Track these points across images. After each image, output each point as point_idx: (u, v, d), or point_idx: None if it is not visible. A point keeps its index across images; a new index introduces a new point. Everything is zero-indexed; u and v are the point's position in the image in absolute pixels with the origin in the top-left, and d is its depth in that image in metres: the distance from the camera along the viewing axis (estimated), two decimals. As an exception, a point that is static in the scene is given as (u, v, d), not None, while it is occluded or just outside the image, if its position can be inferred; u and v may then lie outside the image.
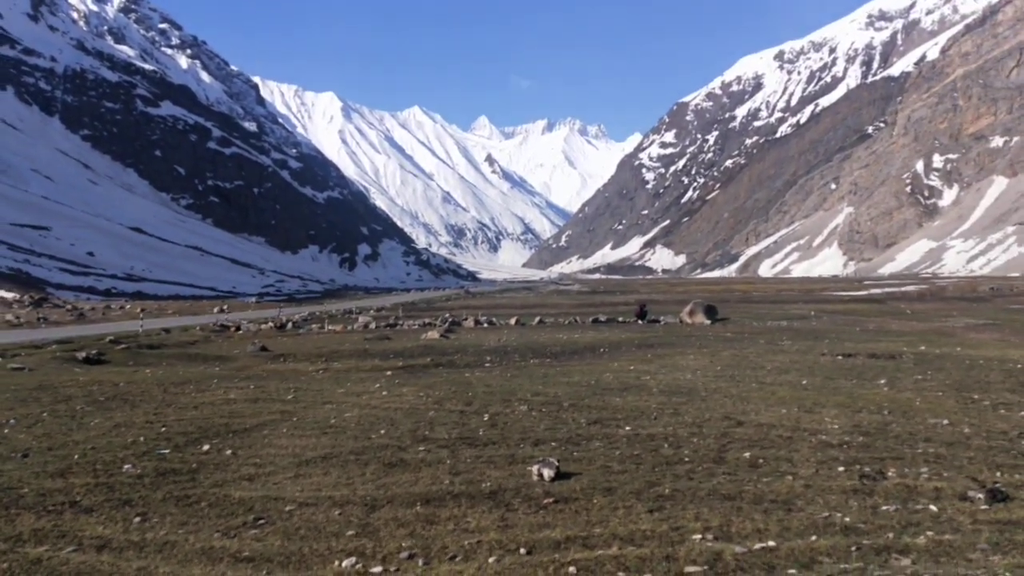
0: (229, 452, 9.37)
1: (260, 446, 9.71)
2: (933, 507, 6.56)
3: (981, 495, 6.77)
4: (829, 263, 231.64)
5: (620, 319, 39.44)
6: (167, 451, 9.47)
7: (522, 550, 5.82)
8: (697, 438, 9.53)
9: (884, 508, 6.57)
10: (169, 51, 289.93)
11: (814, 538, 5.88)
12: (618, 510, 6.67)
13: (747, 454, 8.58)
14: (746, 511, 6.55)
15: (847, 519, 6.29)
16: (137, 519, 6.80)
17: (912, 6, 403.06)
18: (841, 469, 7.85)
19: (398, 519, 6.59)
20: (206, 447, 9.67)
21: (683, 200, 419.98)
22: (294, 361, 22.29)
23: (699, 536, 5.96)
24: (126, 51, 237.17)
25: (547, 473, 7.64)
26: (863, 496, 6.92)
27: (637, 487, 7.33)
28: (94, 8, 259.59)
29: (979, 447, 8.78)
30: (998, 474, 7.59)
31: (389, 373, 18.36)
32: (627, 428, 10.26)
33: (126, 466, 8.65)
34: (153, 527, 6.60)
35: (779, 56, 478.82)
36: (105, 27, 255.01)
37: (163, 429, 10.88)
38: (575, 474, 7.86)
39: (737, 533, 6.04)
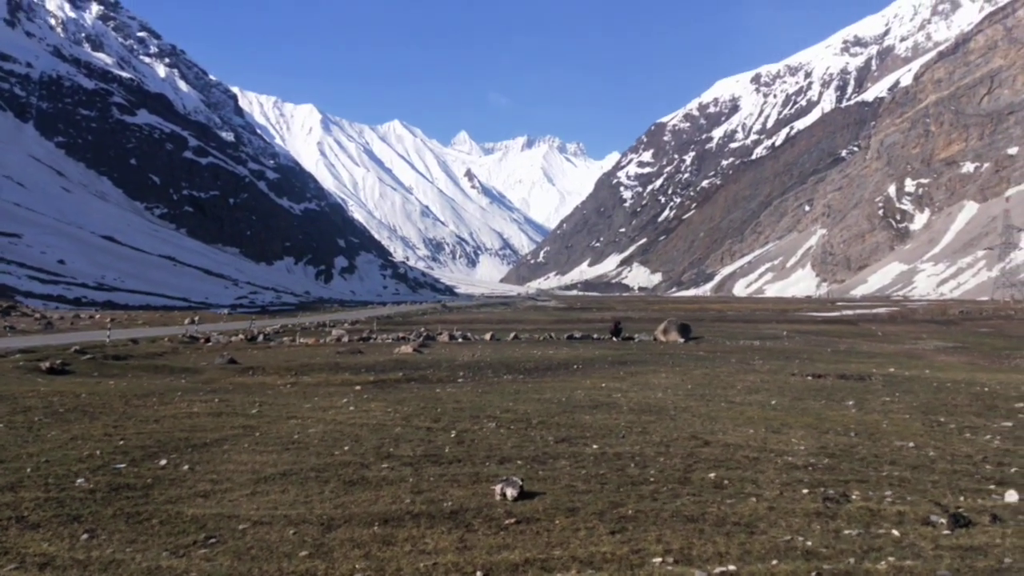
0: (186, 467, 9.16)
1: (219, 461, 9.50)
2: (895, 532, 6.51)
3: (944, 520, 6.74)
4: (802, 284, 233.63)
5: (595, 336, 39.43)
6: (123, 465, 9.23)
7: (479, 573, 5.69)
8: (664, 457, 9.45)
9: (847, 532, 6.51)
10: (147, 59, 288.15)
11: (775, 562, 5.81)
12: (580, 531, 6.55)
13: (712, 475, 8.51)
14: (708, 533, 6.47)
15: (809, 543, 6.22)
16: (85, 536, 6.59)
17: (886, 33, 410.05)
18: (805, 491, 7.79)
19: (354, 539, 6.43)
20: (163, 462, 9.44)
21: (660, 219, 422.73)
22: (263, 374, 22.00)
23: (659, 559, 5.86)
24: (103, 59, 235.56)
25: (510, 492, 7.52)
26: (826, 519, 6.86)
27: (600, 507, 7.22)
28: (72, 15, 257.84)
29: (944, 471, 8.77)
30: (961, 499, 7.56)
31: (358, 388, 18.15)
32: (594, 446, 10.16)
33: (79, 480, 8.41)
34: (100, 544, 6.40)
35: (756, 79, 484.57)
36: (83, 34, 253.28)
37: (121, 442, 10.62)
38: (539, 493, 7.74)
39: (698, 556, 5.94)
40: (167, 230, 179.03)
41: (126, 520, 7.03)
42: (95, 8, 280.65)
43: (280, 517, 7.04)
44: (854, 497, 7.58)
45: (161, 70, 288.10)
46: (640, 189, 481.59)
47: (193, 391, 17.19)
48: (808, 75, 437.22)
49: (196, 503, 7.59)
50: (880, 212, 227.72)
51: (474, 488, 8.03)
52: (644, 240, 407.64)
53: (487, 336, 38.05)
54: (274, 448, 10.28)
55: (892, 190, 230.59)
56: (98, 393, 16.22)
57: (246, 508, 7.38)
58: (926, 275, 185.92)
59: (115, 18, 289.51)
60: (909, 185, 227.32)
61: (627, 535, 6.44)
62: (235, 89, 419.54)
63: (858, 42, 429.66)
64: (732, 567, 5.71)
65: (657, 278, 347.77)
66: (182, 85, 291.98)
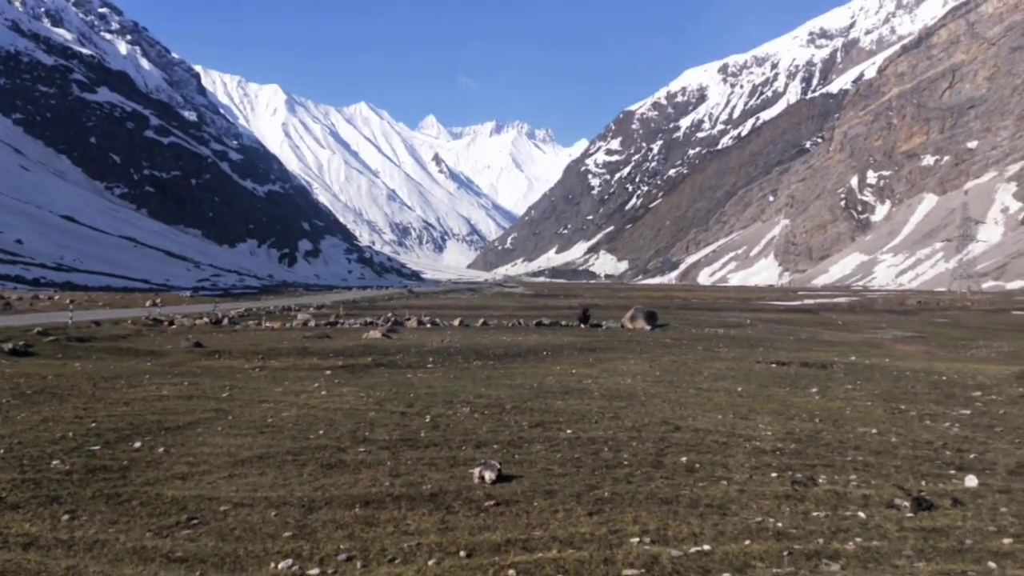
0: (161, 450, 9.17)
1: (194, 444, 9.52)
2: (861, 514, 6.76)
3: (907, 503, 7.00)
4: (765, 273, 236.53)
5: (563, 323, 39.64)
6: (97, 447, 9.21)
7: (462, 552, 5.82)
8: (636, 442, 9.65)
9: (815, 514, 6.75)
10: (108, 36, 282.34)
11: (748, 543, 6.01)
12: (558, 513, 6.72)
13: (684, 459, 8.72)
14: (683, 515, 6.66)
15: (779, 524, 6.45)
16: (66, 517, 6.61)
17: (852, 26, 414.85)
18: (774, 475, 8.04)
19: (336, 521, 6.53)
20: (138, 444, 9.44)
21: (627, 207, 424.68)
22: (230, 358, 21.86)
23: (637, 539, 6.04)
24: (63, 34, 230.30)
25: (488, 475, 7.65)
26: (795, 502, 7.10)
27: (577, 490, 7.39)
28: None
29: (906, 456, 9.07)
30: (923, 483, 7.84)
31: (328, 372, 18.15)
32: (568, 431, 10.34)
33: (54, 462, 8.40)
34: (82, 525, 6.42)
35: (723, 69, 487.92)
36: (43, 9, 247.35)
37: (93, 425, 10.58)
38: (516, 476, 7.89)
39: (674, 537, 6.13)
40: (127, 210, 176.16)
41: (106, 501, 7.06)
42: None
43: (261, 499, 7.11)
44: (821, 481, 7.83)
45: (123, 47, 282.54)
46: (608, 177, 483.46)
47: (161, 374, 17.10)
48: (774, 66, 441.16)
49: (175, 485, 7.63)
50: (842, 203, 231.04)
51: (452, 471, 8.16)
52: (611, 228, 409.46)
53: (456, 322, 38.10)
54: (248, 431, 10.30)
55: (854, 181, 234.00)
56: (65, 375, 16.09)
57: (225, 490, 7.43)
58: (886, 266, 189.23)
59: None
60: (871, 177, 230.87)
61: (604, 516, 6.62)
62: (198, 68, 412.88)
63: (824, 34, 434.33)
64: (707, 547, 5.91)
65: (624, 266, 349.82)
66: (144, 63, 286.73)
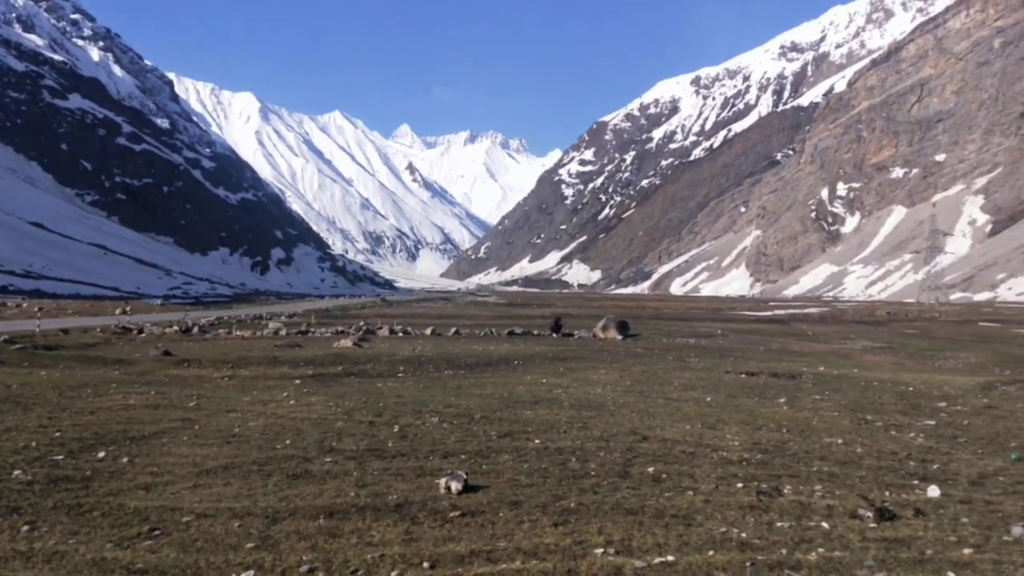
0: (126, 460, 9.05)
1: (158, 454, 9.41)
2: (825, 524, 6.82)
3: (870, 513, 7.07)
4: (737, 283, 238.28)
5: (535, 332, 39.68)
6: (60, 457, 9.08)
7: (425, 564, 5.79)
8: (604, 452, 9.68)
9: (779, 524, 6.80)
10: (80, 42, 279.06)
11: (711, 553, 6.04)
12: (523, 524, 6.71)
13: (651, 469, 8.75)
14: (648, 525, 6.69)
15: (743, 535, 6.49)
16: (25, 527, 6.51)
17: (822, 39, 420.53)
18: (740, 485, 8.08)
19: (300, 532, 6.47)
20: (101, 454, 9.31)
21: (600, 217, 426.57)
22: (199, 367, 21.65)
23: (601, 550, 6.05)
24: (35, 40, 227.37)
25: (455, 486, 7.63)
26: (760, 512, 7.14)
27: (543, 500, 7.39)
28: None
29: (870, 467, 9.16)
30: (887, 493, 7.93)
31: (298, 381, 18.03)
32: (537, 441, 10.34)
33: (16, 472, 8.26)
34: (42, 536, 6.33)
35: (695, 81, 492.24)
36: (13, 15, 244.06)
37: (57, 434, 10.43)
38: (483, 487, 7.88)
39: (638, 547, 6.15)
40: (98, 217, 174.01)
41: (67, 512, 6.96)
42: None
43: (224, 510, 7.04)
44: (786, 491, 7.89)
45: (95, 53, 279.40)
46: (581, 187, 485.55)
47: (128, 383, 16.88)
48: (746, 79, 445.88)
49: (138, 495, 7.53)
50: (812, 215, 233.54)
51: (418, 482, 8.13)
52: (584, 238, 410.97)
53: (428, 331, 38.00)
54: (214, 441, 10.20)
55: (825, 193, 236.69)
56: (30, 384, 15.84)
57: (189, 501, 7.35)
58: (855, 277, 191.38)
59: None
60: (841, 189, 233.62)
61: (570, 527, 6.62)
62: (171, 75, 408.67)
63: (795, 48, 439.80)
64: (671, 557, 5.93)
65: (596, 275, 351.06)
66: (116, 69, 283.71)
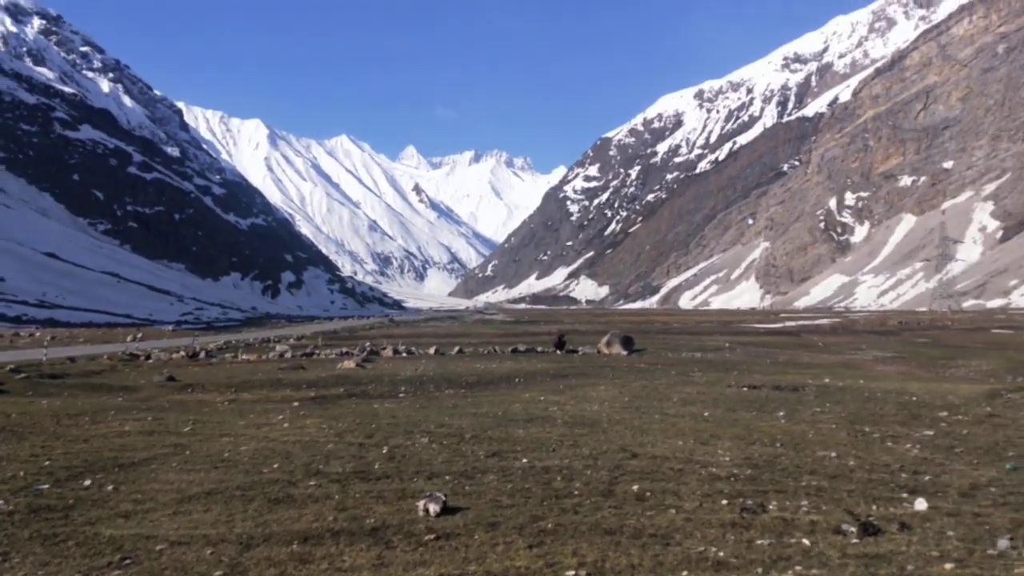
0: (111, 487, 9.02)
1: (145, 481, 9.38)
2: (806, 541, 6.69)
3: (854, 528, 6.94)
4: (746, 296, 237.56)
5: (539, 349, 39.59)
6: (46, 486, 9.06)
7: (394, 589, 5.72)
8: (591, 470, 9.58)
9: (759, 542, 6.67)
10: (90, 74, 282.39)
11: (686, 573, 5.93)
12: (498, 546, 6.62)
13: (636, 487, 8.65)
14: (624, 546, 6.58)
15: (721, 553, 6.37)
16: (-4, 559, 6.47)
17: (825, 50, 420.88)
18: (725, 502, 7.97)
19: (271, 558, 6.40)
20: (88, 482, 9.29)
21: (606, 232, 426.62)
22: (202, 391, 21.68)
23: (573, 572, 5.95)
24: (45, 73, 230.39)
25: (432, 508, 7.55)
26: (741, 530, 7.02)
27: (521, 521, 7.30)
28: (13, 29, 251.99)
29: (860, 480, 9.02)
30: (874, 507, 7.79)
31: (296, 404, 17.99)
32: (524, 460, 10.25)
33: (-2, 502, 8.25)
34: (12, 568, 6.28)
35: (699, 95, 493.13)
36: (24, 48, 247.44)
37: (47, 463, 10.41)
38: (462, 509, 7.79)
39: (611, 568, 6.05)
40: (111, 246, 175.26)
41: (42, 542, 6.91)
42: (37, 22, 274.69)
43: (199, 537, 6.98)
44: (771, 507, 7.77)
45: (105, 85, 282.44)
46: (587, 203, 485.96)
47: (127, 410, 16.88)
48: (750, 91, 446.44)
49: (116, 524, 7.49)
50: (821, 225, 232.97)
51: (399, 504, 8.05)
52: (591, 253, 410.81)
53: (431, 350, 37.96)
54: (203, 467, 10.17)
55: (833, 203, 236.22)
56: (29, 413, 15.87)
57: (166, 528, 7.30)
58: (867, 286, 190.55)
59: (58, 32, 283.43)
60: (849, 198, 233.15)
61: (544, 549, 6.52)
62: (180, 104, 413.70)
63: (798, 59, 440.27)
64: (644, 578, 5.83)
65: (604, 291, 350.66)
66: (126, 100, 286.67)
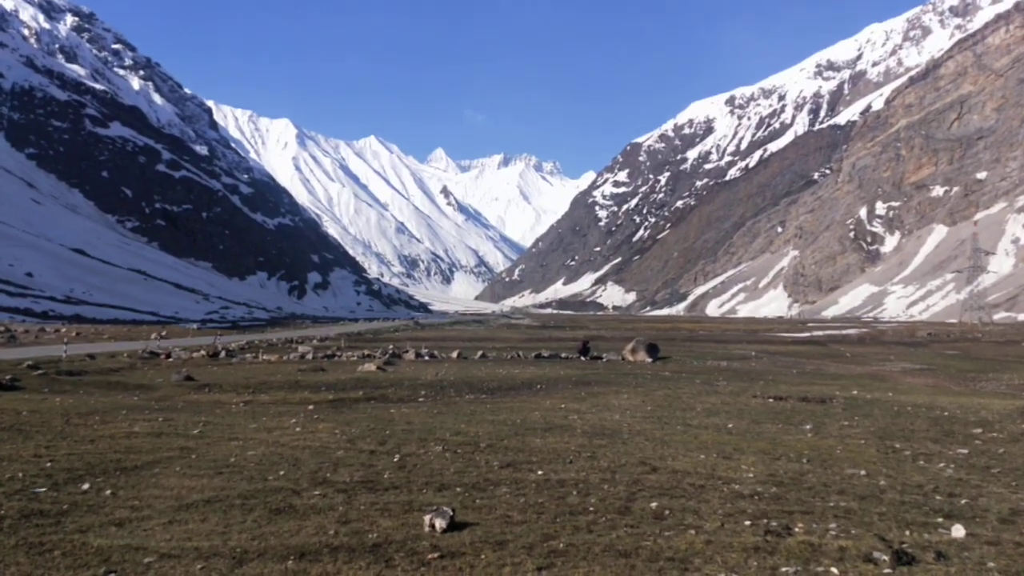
0: (109, 492, 8.72)
1: (144, 486, 9.07)
2: (835, 569, 6.21)
3: (886, 557, 6.46)
4: (774, 304, 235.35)
5: (563, 355, 39.13)
6: (43, 490, 8.78)
7: (390, 613, 5.34)
8: (608, 484, 9.15)
9: (784, 569, 6.20)
10: (121, 72, 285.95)
11: (704, 603, 5.51)
12: (505, 567, 6.21)
13: (654, 504, 8.20)
14: (640, 570, 6.14)
15: (743, 581, 5.93)
16: (-23, 569, 6.17)
17: (859, 58, 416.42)
18: (747, 523, 7.50)
19: (263, 575, 6.05)
20: (86, 486, 8.99)
21: (634, 238, 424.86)
22: (219, 392, 21.47)
23: (583, 599, 5.55)
24: (77, 70, 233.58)
25: (439, 523, 7.17)
26: (764, 555, 6.55)
27: (531, 540, 6.88)
28: (46, 26, 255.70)
29: (892, 501, 8.52)
30: (907, 533, 7.30)
31: (311, 407, 17.70)
32: (539, 472, 9.84)
33: (-10, 506, 7.97)
34: (-8, 579, 5.99)
35: (730, 101, 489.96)
36: (56, 45, 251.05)
37: (48, 464, 10.15)
38: (471, 524, 7.39)
39: (624, 596, 5.64)
40: (138, 243, 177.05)
41: (27, 551, 6.60)
42: (69, 19, 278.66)
43: (191, 549, 6.63)
44: (797, 530, 7.30)
45: (135, 82, 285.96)
46: (615, 208, 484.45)
47: (140, 409, 16.68)
48: (782, 98, 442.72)
49: (107, 532, 7.16)
50: (851, 234, 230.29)
51: (404, 518, 7.67)
52: (619, 259, 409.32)
53: (454, 354, 37.66)
54: (206, 472, 9.86)
55: (863, 213, 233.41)
56: (40, 411, 15.69)
57: (158, 538, 6.97)
58: (896, 297, 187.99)
59: (90, 30, 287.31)
60: (880, 208, 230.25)
61: (554, 571, 6.11)
62: (210, 103, 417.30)
63: (831, 66, 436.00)
64: (658, 608, 5.41)
65: (631, 297, 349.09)
66: (156, 98, 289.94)
